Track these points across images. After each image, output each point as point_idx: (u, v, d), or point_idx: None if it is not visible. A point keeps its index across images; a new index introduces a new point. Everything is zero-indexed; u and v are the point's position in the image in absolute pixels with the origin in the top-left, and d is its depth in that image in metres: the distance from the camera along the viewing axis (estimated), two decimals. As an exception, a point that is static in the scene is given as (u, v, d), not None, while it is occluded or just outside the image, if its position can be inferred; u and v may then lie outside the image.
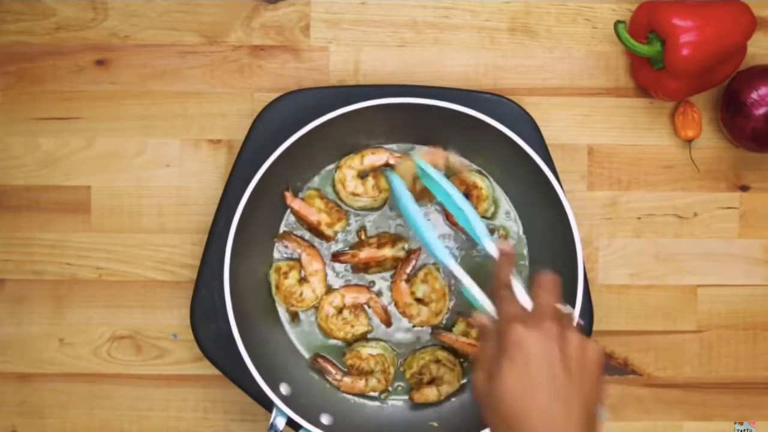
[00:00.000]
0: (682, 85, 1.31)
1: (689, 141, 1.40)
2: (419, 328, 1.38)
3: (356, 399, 1.37)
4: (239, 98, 1.40)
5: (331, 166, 1.37)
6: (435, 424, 1.35)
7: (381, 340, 1.38)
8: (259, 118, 1.34)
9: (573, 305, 1.26)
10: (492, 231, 1.36)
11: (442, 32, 1.40)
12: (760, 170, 1.41)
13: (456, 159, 1.32)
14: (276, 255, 1.37)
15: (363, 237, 1.37)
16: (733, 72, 1.36)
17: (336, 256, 1.36)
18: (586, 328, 1.33)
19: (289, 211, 1.36)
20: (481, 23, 1.40)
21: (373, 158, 1.36)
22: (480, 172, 1.36)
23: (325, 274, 1.37)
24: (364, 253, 1.35)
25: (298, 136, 1.25)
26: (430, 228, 1.25)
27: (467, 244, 1.37)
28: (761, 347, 1.42)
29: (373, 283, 1.38)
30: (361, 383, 1.35)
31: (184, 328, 1.39)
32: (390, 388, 1.37)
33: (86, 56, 1.39)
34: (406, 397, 1.37)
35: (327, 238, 1.36)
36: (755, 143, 1.35)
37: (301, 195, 1.36)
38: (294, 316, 1.37)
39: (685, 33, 1.27)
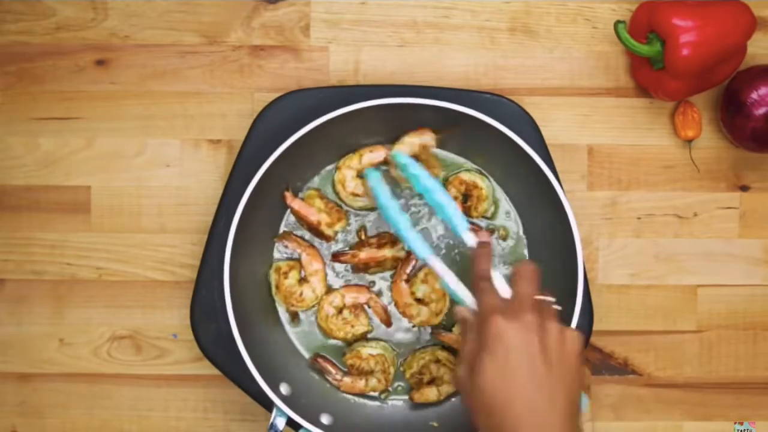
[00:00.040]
0: (682, 85, 1.31)
1: (689, 141, 1.40)
2: (419, 328, 1.38)
3: (356, 399, 1.37)
4: (239, 98, 1.40)
5: (331, 166, 1.37)
6: (435, 424, 1.35)
7: (381, 340, 1.38)
8: (259, 118, 1.34)
9: (573, 305, 1.26)
10: (492, 231, 1.36)
11: (442, 32, 1.40)
12: (760, 170, 1.41)
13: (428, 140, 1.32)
14: (276, 255, 1.37)
15: (363, 237, 1.37)
16: (733, 72, 1.36)
17: (336, 256, 1.36)
18: (586, 328, 1.33)
19: (289, 211, 1.36)
20: (481, 23, 1.40)
21: (372, 156, 1.35)
22: (480, 172, 1.36)
23: (325, 274, 1.37)
24: (364, 254, 1.35)
25: (298, 136, 1.25)
26: (408, 223, 1.25)
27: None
28: (761, 347, 1.42)
29: (373, 283, 1.38)
30: (361, 383, 1.35)
31: (184, 328, 1.39)
32: (390, 388, 1.37)
33: (86, 56, 1.39)
34: (406, 397, 1.37)
35: (327, 238, 1.36)
36: (755, 143, 1.35)
37: (301, 195, 1.36)
38: (294, 316, 1.37)
39: (685, 33, 1.27)
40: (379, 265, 1.36)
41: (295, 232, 1.37)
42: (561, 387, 1.03)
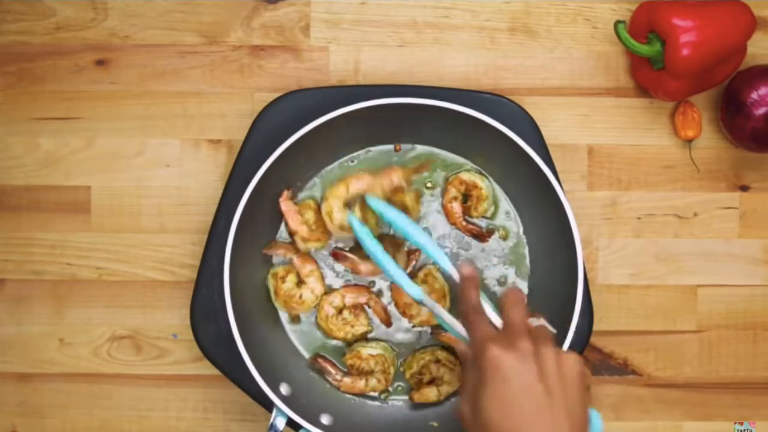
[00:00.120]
0: (682, 85, 1.31)
1: (689, 141, 1.40)
2: (419, 328, 1.38)
3: (356, 399, 1.37)
4: (239, 98, 1.40)
5: (331, 166, 1.36)
6: (435, 424, 1.35)
7: (381, 340, 1.38)
8: (259, 118, 1.34)
9: (573, 305, 1.26)
10: (492, 231, 1.36)
11: (442, 32, 1.40)
12: (760, 170, 1.41)
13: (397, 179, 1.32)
14: (274, 258, 1.37)
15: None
16: (733, 72, 1.36)
17: (336, 255, 1.36)
18: (586, 328, 1.33)
19: (289, 211, 1.37)
20: (481, 23, 1.40)
21: (359, 185, 1.33)
22: (480, 172, 1.36)
23: (321, 273, 1.36)
24: (365, 267, 1.34)
25: (298, 136, 1.25)
26: (392, 264, 1.24)
27: (466, 244, 1.37)
28: (761, 347, 1.42)
29: (373, 283, 1.38)
30: (361, 383, 1.35)
31: (184, 328, 1.39)
32: (390, 388, 1.37)
33: (86, 56, 1.39)
34: (406, 397, 1.37)
35: (296, 250, 1.36)
36: (755, 143, 1.35)
37: (300, 196, 1.36)
38: (294, 317, 1.37)
39: (685, 33, 1.27)
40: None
41: (279, 239, 1.37)
42: (563, 411, 1.02)
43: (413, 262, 1.36)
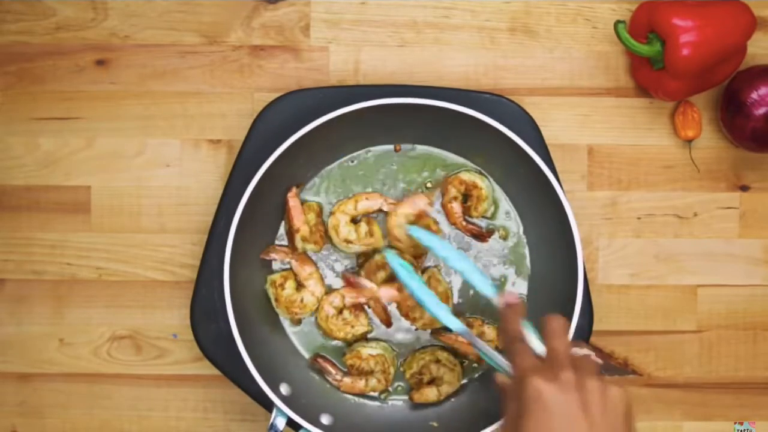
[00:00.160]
0: (682, 85, 1.31)
1: (689, 141, 1.40)
2: (420, 329, 1.38)
3: (356, 399, 1.37)
4: (239, 98, 1.40)
5: (331, 166, 1.36)
6: (435, 424, 1.35)
7: (381, 340, 1.38)
8: (259, 118, 1.34)
9: (573, 306, 1.26)
10: (492, 231, 1.36)
11: (442, 32, 1.40)
12: (760, 170, 1.41)
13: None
14: (273, 262, 1.37)
15: (362, 262, 1.38)
16: (733, 72, 1.36)
17: (349, 282, 1.35)
18: (586, 328, 1.33)
19: (289, 211, 1.37)
20: (481, 23, 1.40)
21: (367, 204, 1.35)
22: (480, 172, 1.36)
23: (320, 274, 1.36)
24: (386, 293, 1.34)
25: (298, 136, 1.25)
26: (433, 299, 1.24)
27: (466, 244, 1.37)
28: (761, 347, 1.42)
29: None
30: (361, 383, 1.35)
31: (184, 328, 1.39)
32: (390, 388, 1.37)
33: (86, 56, 1.39)
34: (406, 397, 1.37)
35: (293, 248, 1.36)
36: (755, 143, 1.35)
37: (303, 194, 1.36)
38: (296, 319, 1.37)
39: (685, 33, 1.27)
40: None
41: (278, 243, 1.37)
42: None
43: (419, 263, 1.36)
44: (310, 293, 1.35)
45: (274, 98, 1.35)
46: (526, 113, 1.34)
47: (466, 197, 1.36)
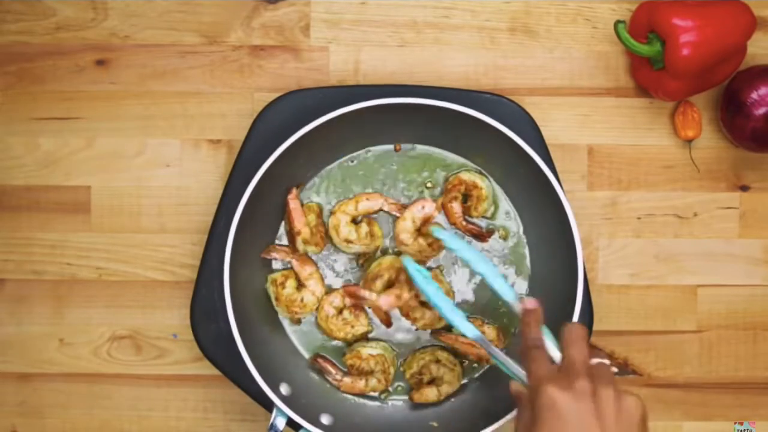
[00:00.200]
0: (682, 85, 1.31)
1: (689, 141, 1.40)
2: (420, 329, 1.38)
3: (356, 399, 1.37)
4: (239, 98, 1.40)
5: (331, 166, 1.36)
6: (435, 424, 1.35)
7: (381, 340, 1.38)
8: (259, 118, 1.34)
9: (573, 306, 1.26)
10: (492, 231, 1.36)
11: (442, 32, 1.40)
12: (760, 170, 1.41)
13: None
14: (273, 262, 1.37)
15: (362, 263, 1.38)
16: (733, 72, 1.36)
17: (351, 295, 1.35)
18: (587, 328, 1.33)
19: (289, 211, 1.37)
20: (481, 23, 1.40)
21: (368, 204, 1.36)
22: (480, 172, 1.36)
23: (321, 274, 1.36)
24: (386, 302, 1.33)
25: (298, 136, 1.25)
26: (450, 305, 1.23)
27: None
28: (761, 347, 1.42)
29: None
30: (361, 383, 1.35)
31: (184, 328, 1.39)
32: (390, 388, 1.37)
33: (86, 56, 1.39)
34: (406, 397, 1.37)
35: (294, 249, 1.36)
36: (755, 143, 1.35)
37: (303, 194, 1.36)
38: (296, 319, 1.37)
39: (685, 33, 1.27)
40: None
41: (278, 243, 1.37)
42: None
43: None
44: (311, 293, 1.35)
45: (274, 98, 1.35)
46: (526, 113, 1.34)
47: (466, 197, 1.36)
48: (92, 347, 1.41)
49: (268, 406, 1.27)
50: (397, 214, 1.35)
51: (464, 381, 1.38)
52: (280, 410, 1.25)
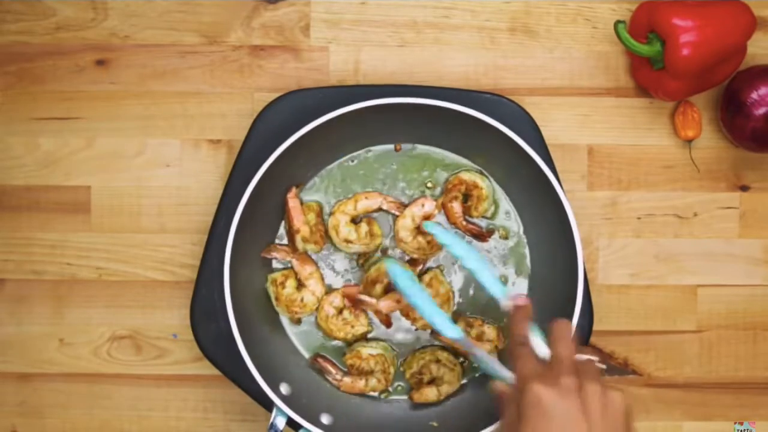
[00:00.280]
0: (682, 85, 1.31)
1: (689, 141, 1.39)
2: (420, 329, 1.38)
3: (356, 399, 1.36)
4: (239, 98, 1.40)
5: (331, 166, 1.36)
6: (435, 424, 1.34)
7: (381, 340, 1.38)
8: (259, 118, 1.34)
9: (573, 305, 1.26)
10: (492, 231, 1.36)
11: (442, 32, 1.40)
12: (760, 170, 1.41)
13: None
14: (274, 261, 1.37)
15: (362, 262, 1.38)
16: (733, 72, 1.36)
17: (351, 299, 1.35)
18: (586, 328, 1.33)
19: (289, 211, 1.37)
20: (481, 23, 1.40)
21: (367, 203, 1.36)
22: (480, 172, 1.36)
23: (321, 274, 1.36)
24: (385, 305, 1.34)
25: (297, 136, 1.25)
26: (432, 307, 1.23)
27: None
28: (761, 347, 1.42)
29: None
30: (361, 383, 1.35)
31: (184, 328, 1.39)
32: (390, 388, 1.37)
33: (86, 56, 1.39)
34: (406, 397, 1.37)
35: (293, 249, 1.36)
36: (755, 143, 1.35)
37: (303, 194, 1.36)
38: (296, 319, 1.37)
39: (685, 33, 1.27)
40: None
41: (278, 242, 1.37)
42: None
43: (419, 266, 1.36)
44: (311, 293, 1.35)
45: (274, 98, 1.35)
46: (526, 113, 1.34)
47: (466, 197, 1.36)
48: (92, 347, 1.41)
49: (268, 406, 1.27)
50: (397, 213, 1.35)
51: (464, 381, 1.38)
52: (280, 410, 1.25)
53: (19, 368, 1.41)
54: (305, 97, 1.34)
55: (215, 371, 1.35)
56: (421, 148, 1.36)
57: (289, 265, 1.36)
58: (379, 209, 1.36)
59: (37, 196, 1.39)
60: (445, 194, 1.36)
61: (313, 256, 1.36)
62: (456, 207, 1.35)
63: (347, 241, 1.34)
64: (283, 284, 1.34)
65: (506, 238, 1.37)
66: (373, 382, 1.35)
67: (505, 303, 1.19)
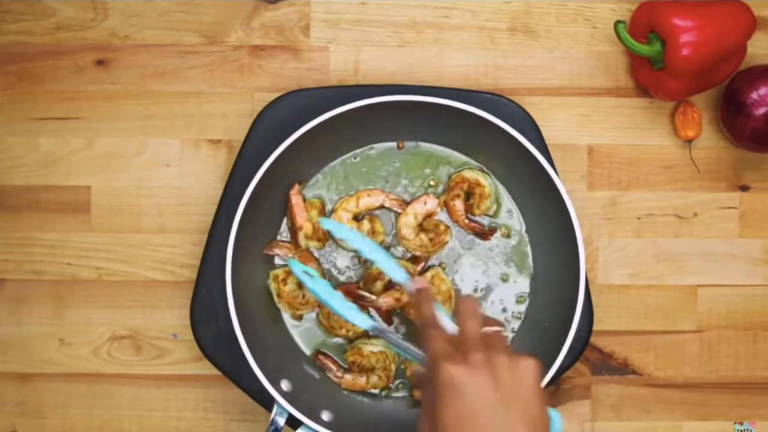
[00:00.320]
0: (682, 85, 1.31)
1: (689, 141, 1.40)
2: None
3: (357, 396, 1.36)
4: (239, 98, 1.40)
5: (334, 163, 1.36)
6: (436, 422, 1.35)
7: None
8: (259, 118, 1.34)
9: (574, 305, 1.26)
10: (494, 229, 1.36)
11: (442, 32, 1.40)
12: (760, 170, 1.41)
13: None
14: (276, 258, 1.37)
15: (363, 260, 1.38)
16: (733, 72, 1.36)
17: (351, 294, 1.35)
18: (586, 328, 1.33)
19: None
20: (481, 23, 1.40)
21: (369, 200, 1.36)
22: (482, 170, 1.36)
23: (323, 271, 1.36)
24: (384, 302, 1.34)
25: (297, 135, 1.25)
26: (339, 300, 1.25)
27: (468, 242, 1.37)
28: (761, 347, 1.42)
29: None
30: (362, 380, 1.35)
31: (184, 328, 1.39)
32: (391, 385, 1.37)
33: (86, 56, 1.39)
34: (407, 394, 1.37)
35: (296, 245, 1.36)
36: (755, 143, 1.35)
37: (305, 192, 1.36)
38: (298, 316, 1.37)
39: (685, 33, 1.27)
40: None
41: (281, 239, 1.37)
42: (522, 419, 1.00)
43: (421, 263, 1.36)
44: (312, 290, 1.35)
45: (274, 98, 1.35)
46: (526, 113, 1.34)
47: (468, 195, 1.36)
48: (92, 347, 1.40)
49: (268, 406, 1.27)
50: (399, 210, 1.35)
51: (465, 380, 1.38)
52: (280, 407, 1.25)
53: (19, 368, 1.40)
54: (305, 97, 1.34)
55: (215, 371, 1.35)
56: (424, 145, 1.36)
57: (290, 261, 1.36)
58: (382, 206, 1.36)
59: (37, 196, 1.39)
60: (447, 192, 1.36)
61: (315, 253, 1.36)
62: (458, 205, 1.35)
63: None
64: (284, 281, 1.34)
65: (508, 236, 1.37)
66: (374, 379, 1.35)
67: (408, 287, 1.22)
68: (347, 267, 1.37)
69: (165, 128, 1.40)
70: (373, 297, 1.33)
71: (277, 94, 1.36)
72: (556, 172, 1.27)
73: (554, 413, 1.09)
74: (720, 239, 1.41)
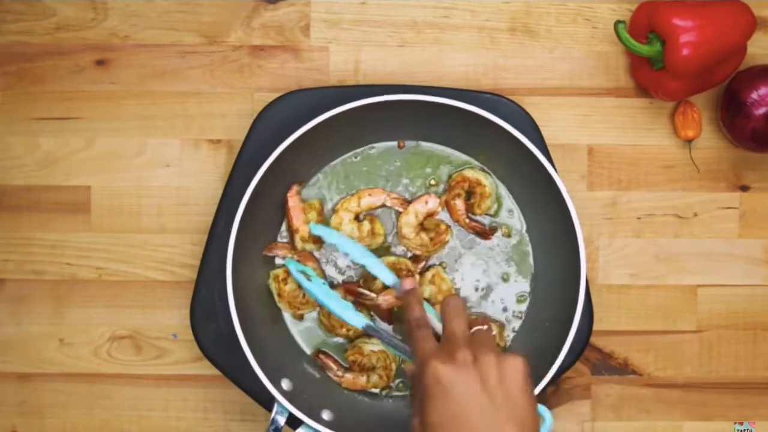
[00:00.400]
0: (682, 85, 1.31)
1: (689, 141, 1.40)
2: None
3: (358, 395, 1.36)
4: (239, 98, 1.40)
5: (334, 162, 1.36)
6: (436, 422, 1.34)
7: (382, 337, 1.38)
8: (259, 118, 1.34)
9: (575, 305, 1.26)
10: (495, 228, 1.36)
11: (442, 32, 1.40)
12: (760, 170, 1.41)
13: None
14: (276, 258, 1.37)
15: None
16: (733, 72, 1.36)
17: (351, 293, 1.35)
18: (586, 328, 1.33)
19: (290, 210, 1.37)
20: (481, 23, 1.40)
21: (370, 200, 1.36)
22: (483, 170, 1.36)
23: (323, 270, 1.36)
24: (384, 300, 1.34)
25: (297, 135, 1.25)
26: (336, 300, 1.27)
27: (468, 241, 1.37)
28: (761, 347, 1.42)
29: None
30: (362, 379, 1.35)
31: (184, 328, 1.39)
32: (392, 385, 1.37)
33: (86, 56, 1.39)
34: (408, 394, 1.37)
35: (293, 247, 1.36)
36: (755, 143, 1.35)
37: (303, 192, 1.36)
38: (298, 315, 1.36)
39: (685, 33, 1.27)
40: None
41: (281, 240, 1.37)
42: (510, 417, 1.00)
43: (422, 263, 1.36)
44: (312, 289, 1.35)
45: (274, 98, 1.35)
46: (526, 113, 1.34)
47: (469, 194, 1.36)
48: (92, 347, 1.40)
49: (268, 406, 1.27)
50: (400, 209, 1.35)
51: (465, 379, 1.38)
52: (281, 406, 1.25)
53: (19, 368, 1.40)
54: (305, 97, 1.34)
55: (215, 371, 1.35)
56: (425, 145, 1.36)
57: (291, 262, 1.36)
58: (383, 206, 1.36)
59: (37, 196, 1.39)
60: (448, 191, 1.36)
61: (315, 253, 1.36)
62: (459, 204, 1.35)
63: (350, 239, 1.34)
64: (285, 280, 1.34)
65: (509, 236, 1.37)
66: (374, 378, 1.35)
67: (397, 289, 1.24)
68: (347, 266, 1.37)
69: (165, 128, 1.40)
70: (373, 295, 1.33)
71: (277, 94, 1.36)
72: (556, 172, 1.27)
73: (545, 411, 1.09)
74: (720, 239, 1.41)
